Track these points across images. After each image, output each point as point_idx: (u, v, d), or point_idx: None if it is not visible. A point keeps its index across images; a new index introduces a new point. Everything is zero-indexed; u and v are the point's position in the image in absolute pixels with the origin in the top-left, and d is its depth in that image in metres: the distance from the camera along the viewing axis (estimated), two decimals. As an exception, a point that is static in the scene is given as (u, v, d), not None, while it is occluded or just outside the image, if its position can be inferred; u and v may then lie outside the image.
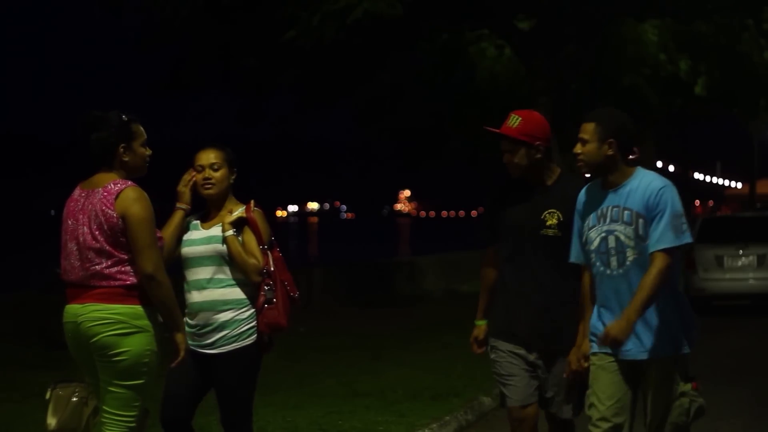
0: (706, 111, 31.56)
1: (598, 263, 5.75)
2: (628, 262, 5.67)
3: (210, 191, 6.25)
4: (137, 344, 5.62)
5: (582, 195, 5.91)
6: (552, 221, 6.10)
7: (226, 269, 6.18)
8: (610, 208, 5.74)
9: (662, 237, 5.59)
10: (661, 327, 5.71)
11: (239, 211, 6.21)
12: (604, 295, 5.76)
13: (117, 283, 5.64)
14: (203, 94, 25.68)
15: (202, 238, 6.26)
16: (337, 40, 18.56)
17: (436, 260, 28.06)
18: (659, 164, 63.43)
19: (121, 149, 5.75)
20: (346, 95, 24.69)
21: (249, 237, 6.18)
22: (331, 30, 18.13)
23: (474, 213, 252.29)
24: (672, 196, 5.66)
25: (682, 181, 48.56)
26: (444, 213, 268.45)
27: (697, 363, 14.08)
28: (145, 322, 5.64)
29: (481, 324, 6.44)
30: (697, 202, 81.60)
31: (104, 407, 5.69)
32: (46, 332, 13.43)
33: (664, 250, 5.58)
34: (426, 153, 27.76)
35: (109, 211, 5.64)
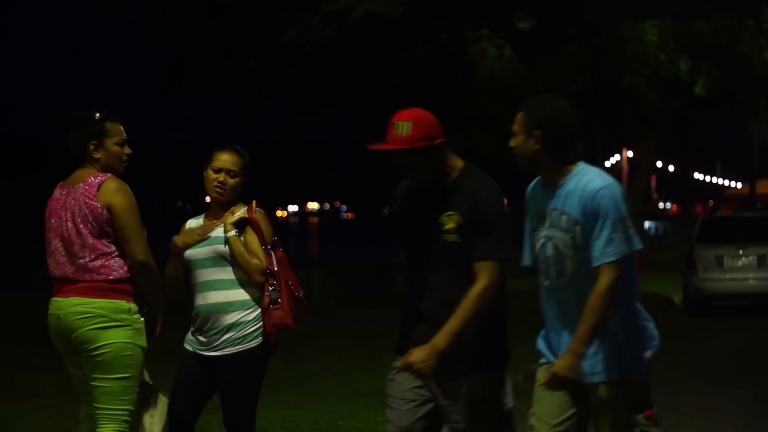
0: (706, 111, 31.57)
1: (541, 271, 4.99)
2: (566, 274, 4.88)
3: (221, 197, 6.22)
4: (117, 338, 5.68)
5: (529, 191, 5.10)
6: (450, 225, 5.19)
7: (229, 270, 6.16)
8: (549, 210, 4.91)
9: (606, 248, 4.76)
10: (608, 346, 4.88)
11: (241, 212, 6.19)
12: (545, 309, 5.00)
13: (100, 277, 5.71)
14: (203, 94, 25.70)
15: (204, 240, 6.23)
16: (337, 40, 18.57)
17: (436, 260, 27.96)
18: (659, 164, 63.47)
19: (92, 146, 5.84)
20: (346, 95, 24.69)
21: (251, 237, 6.16)
22: (331, 30, 18.14)
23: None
24: (613, 198, 4.78)
25: (682, 181, 48.58)
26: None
27: (697, 363, 14.13)
28: (126, 317, 5.72)
29: None
30: (699, 208, 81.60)
31: (95, 403, 5.73)
32: (46, 332, 13.42)
33: (610, 263, 4.75)
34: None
35: (93, 202, 5.73)
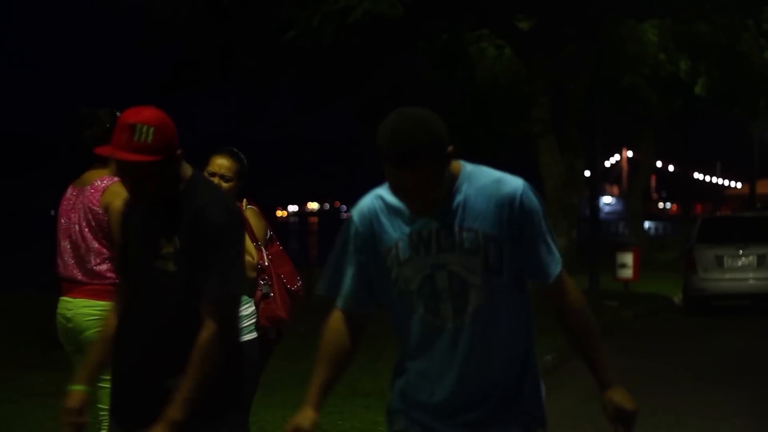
0: (706, 111, 31.59)
1: (420, 310, 3.68)
2: (468, 311, 3.63)
3: None
4: None
5: (370, 208, 3.72)
6: (167, 249, 4.09)
7: None
8: (436, 231, 3.62)
9: (553, 258, 3.70)
10: (515, 394, 3.73)
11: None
12: (427, 359, 3.71)
13: (107, 281, 5.72)
14: (203, 94, 25.73)
15: None
16: (337, 41, 18.57)
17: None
18: (659, 164, 63.60)
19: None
20: (346, 95, 24.72)
21: None
22: (331, 30, 18.14)
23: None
24: (535, 196, 3.68)
25: (682, 181, 48.59)
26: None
27: (697, 363, 14.12)
28: None
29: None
30: (699, 208, 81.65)
31: (99, 404, 5.73)
32: (46, 332, 13.42)
33: (562, 271, 3.72)
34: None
35: (96, 207, 5.76)
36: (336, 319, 3.88)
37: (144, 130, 3.96)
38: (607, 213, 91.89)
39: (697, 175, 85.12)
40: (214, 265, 4.03)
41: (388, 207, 3.69)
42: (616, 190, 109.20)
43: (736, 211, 36.22)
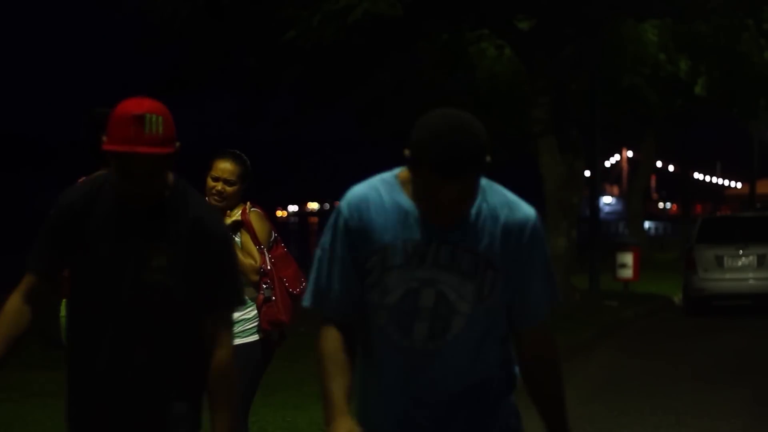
0: (706, 111, 31.57)
1: (388, 327, 3.28)
2: (448, 336, 3.25)
3: (219, 204, 6.27)
4: None
5: (363, 199, 3.30)
6: (159, 261, 3.72)
7: None
8: (436, 244, 3.23)
9: (545, 301, 3.36)
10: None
11: (236, 215, 6.30)
12: (388, 380, 3.32)
13: None
14: (203, 94, 25.71)
15: None
16: (337, 40, 18.57)
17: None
18: (659, 164, 63.63)
19: None
20: (346, 95, 24.71)
21: (246, 238, 6.26)
22: (331, 30, 18.14)
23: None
24: (542, 230, 3.35)
25: (682, 181, 48.60)
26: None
27: (697, 363, 14.11)
28: None
29: None
30: (699, 208, 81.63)
31: None
32: (46, 332, 13.40)
33: (543, 321, 3.38)
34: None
35: None
36: (330, 337, 3.32)
37: (153, 120, 3.62)
38: (607, 213, 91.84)
39: (697, 175, 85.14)
40: (224, 277, 3.79)
41: (386, 203, 3.26)
42: (616, 190, 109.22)
43: (736, 211, 36.22)
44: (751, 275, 20.20)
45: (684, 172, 46.82)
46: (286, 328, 6.30)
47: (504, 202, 3.27)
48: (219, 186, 6.24)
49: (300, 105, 24.59)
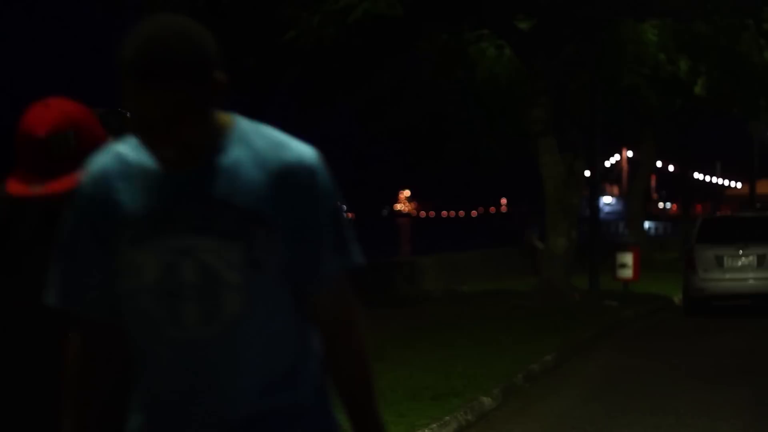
0: (706, 111, 31.59)
1: (151, 314, 2.57)
2: (225, 316, 2.53)
3: None
4: None
5: (101, 168, 2.65)
6: None
7: None
8: (184, 203, 2.56)
9: (331, 259, 2.70)
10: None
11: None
12: (166, 382, 2.60)
13: None
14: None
15: None
16: (337, 40, 18.58)
17: (436, 260, 28.03)
18: (659, 164, 63.61)
19: None
20: (347, 95, 24.72)
21: None
22: (331, 30, 18.15)
23: (474, 213, 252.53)
24: (328, 175, 2.68)
25: (682, 181, 48.60)
26: (444, 213, 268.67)
27: (697, 363, 14.10)
28: None
29: None
30: (699, 208, 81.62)
31: None
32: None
33: (340, 278, 2.76)
34: (426, 153, 27.83)
35: None
36: (83, 350, 2.69)
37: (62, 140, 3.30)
38: (607, 213, 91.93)
39: (697, 175, 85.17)
40: None
41: (129, 166, 2.60)
42: (616, 190, 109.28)
43: (736, 211, 36.22)
44: (751, 275, 20.20)
45: (684, 172, 46.82)
46: None
47: (272, 143, 2.60)
48: None
49: (300, 105, 24.60)
